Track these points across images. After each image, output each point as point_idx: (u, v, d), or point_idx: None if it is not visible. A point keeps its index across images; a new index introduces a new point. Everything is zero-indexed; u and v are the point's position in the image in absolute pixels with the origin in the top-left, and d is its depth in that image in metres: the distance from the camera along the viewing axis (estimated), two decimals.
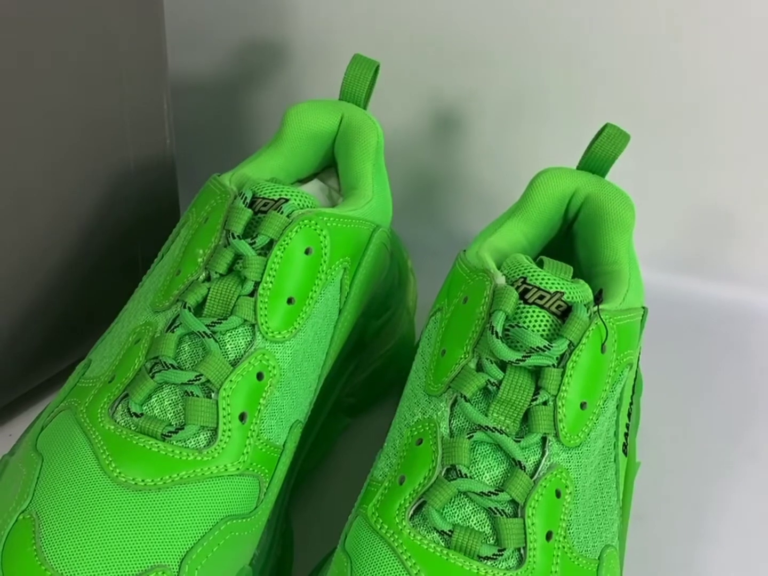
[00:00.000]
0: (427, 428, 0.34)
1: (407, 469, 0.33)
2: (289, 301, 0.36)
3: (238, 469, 0.34)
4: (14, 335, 0.44)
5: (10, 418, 0.46)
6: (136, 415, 0.33)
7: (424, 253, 0.55)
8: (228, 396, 0.34)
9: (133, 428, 0.33)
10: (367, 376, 0.48)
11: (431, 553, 0.31)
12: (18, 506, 0.32)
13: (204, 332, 0.34)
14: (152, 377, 0.34)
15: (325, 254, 0.37)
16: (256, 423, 0.34)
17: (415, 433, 0.34)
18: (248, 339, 0.35)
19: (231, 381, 0.34)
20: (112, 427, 0.33)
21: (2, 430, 0.46)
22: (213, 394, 0.34)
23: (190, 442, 0.33)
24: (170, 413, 0.33)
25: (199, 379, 0.33)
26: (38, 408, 0.42)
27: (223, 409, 0.34)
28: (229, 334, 0.35)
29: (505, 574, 0.32)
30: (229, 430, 0.34)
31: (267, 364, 0.35)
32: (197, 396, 0.33)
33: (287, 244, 0.35)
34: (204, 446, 0.33)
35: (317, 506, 0.44)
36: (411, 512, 0.32)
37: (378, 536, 0.32)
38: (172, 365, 0.34)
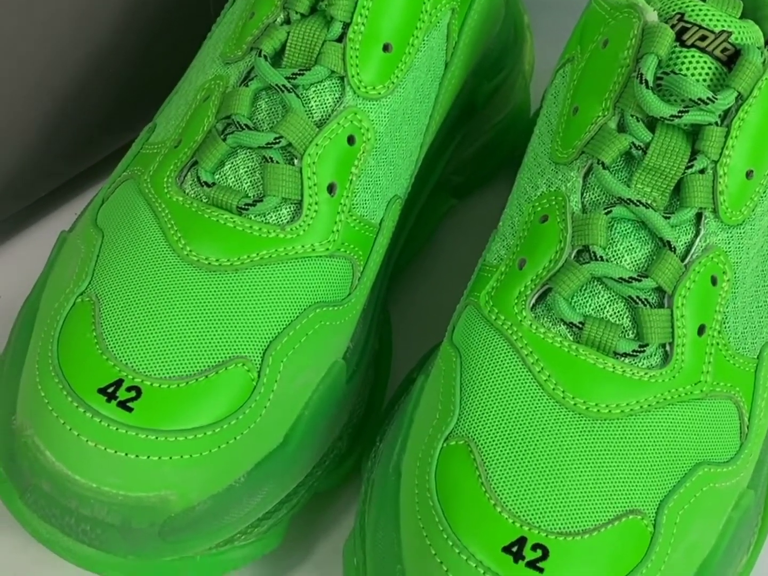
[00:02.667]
0: (554, 203, 0.30)
1: (529, 250, 0.30)
2: (386, 47, 0.31)
3: (327, 249, 0.30)
4: (74, 100, 0.40)
5: (75, 194, 0.43)
6: (207, 185, 0.30)
7: (541, 7, 0.48)
8: (314, 163, 0.30)
9: (204, 200, 0.30)
10: (475, 150, 0.43)
11: (557, 348, 0.28)
12: (76, 288, 0.29)
13: (283, 86, 0.30)
14: (224, 140, 0.30)
15: None
16: (347, 196, 0.31)
17: (539, 208, 0.30)
18: (336, 95, 0.31)
19: (317, 145, 0.30)
20: (181, 198, 0.30)
21: (67, 208, 0.42)
22: (296, 161, 0.30)
23: (271, 217, 0.30)
24: (247, 183, 0.30)
25: (279, 141, 0.30)
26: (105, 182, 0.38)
27: (309, 178, 0.30)
28: (313, 89, 0.31)
29: (646, 373, 0.28)
30: (316, 203, 0.30)
31: (359, 125, 0.31)
32: (277, 162, 0.30)
33: None
34: (287, 222, 0.30)
35: (418, 296, 0.41)
36: (533, 301, 0.29)
37: (493, 328, 0.29)
38: (246, 125, 0.30)
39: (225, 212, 0.29)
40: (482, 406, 0.27)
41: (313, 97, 0.30)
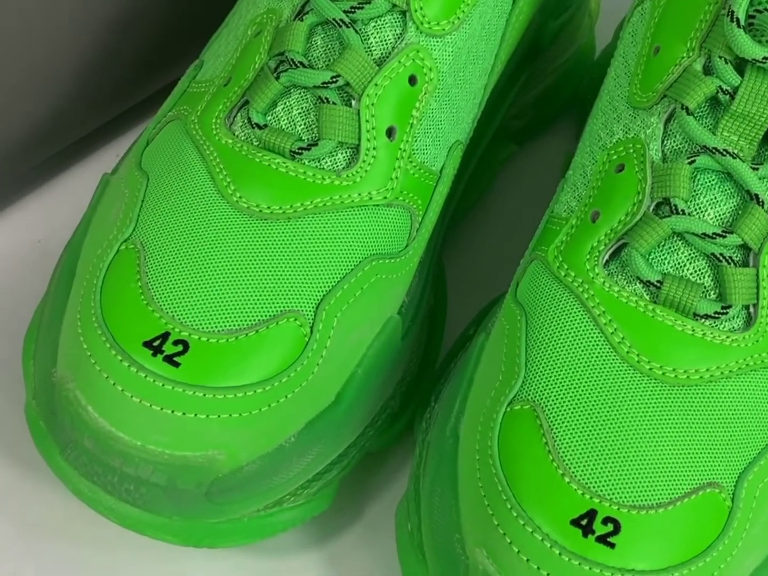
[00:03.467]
0: (632, 150, 0.28)
1: (603, 202, 0.28)
2: None
3: (385, 197, 0.29)
4: (118, 33, 0.38)
5: (116, 134, 0.41)
6: (259, 127, 0.28)
7: None
8: (372, 105, 0.28)
9: (255, 143, 0.28)
10: (538, 93, 0.41)
11: (632, 309, 0.26)
12: (119, 234, 0.28)
13: (341, 20, 0.28)
14: (277, 78, 0.29)
15: None
16: (407, 141, 0.29)
17: (615, 157, 0.28)
18: (398, 31, 0.29)
19: (376, 85, 0.28)
20: (230, 140, 0.28)
21: (109, 149, 0.41)
22: (353, 102, 0.28)
23: (326, 162, 0.28)
24: (300, 125, 0.28)
25: (336, 81, 0.28)
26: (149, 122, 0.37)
27: (367, 121, 0.28)
28: (373, 24, 0.29)
29: (728, 336, 0.27)
30: (374, 148, 0.28)
31: (422, 64, 0.29)
32: (334, 103, 0.28)
33: None
34: (343, 168, 0.28)
35: (474, 248, 0.39)
36: (606, 257, 0.27)
37: (562, 285, 0.27)
38: (301, 63, 0.29)
39: (277, 156, 0.28)
40: (550, 369, 0.26)
41: (372, 33, 0.29)
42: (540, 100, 0.41)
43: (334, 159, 0.28)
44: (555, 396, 0.26)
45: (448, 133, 0.31)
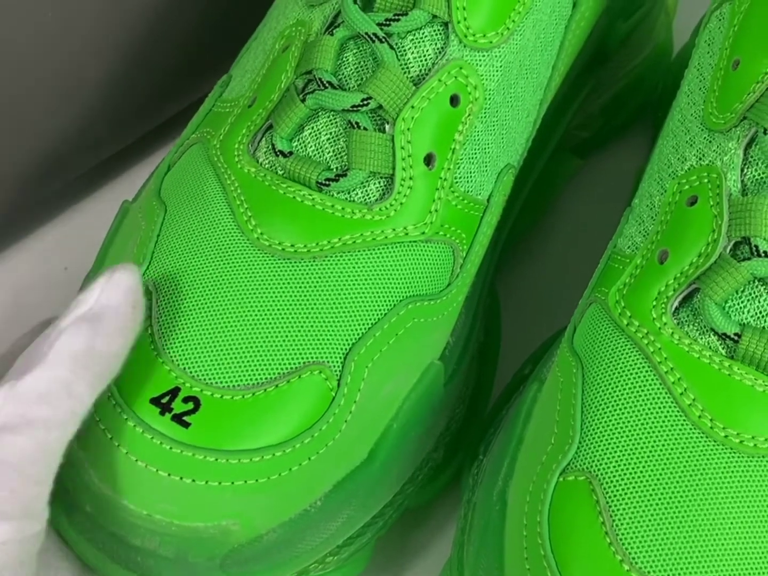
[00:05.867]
0: (706, 180, 0.25)
1: (672, 240, 0.25)
2: None
3: (423, 232, 0.27)
4: (142, 46, 0.36)
5: (145, 155, 0.39)
6: (284, 154, 0.26)
7: None
8: (408, 129, 0.26)
9: (279, 172, 0.26)
10: (606, 101, 0.38)
11: (705, 365, 0.24)
12: None
13: (374, 34, 0.26)
14: (303, 100, 0.26)
15: None
16: (449, 169, 0.27)
17: (687, 187, 0.26)
18: (439, 45, 0.27)
19: (413, 107, 0.26)
20: (253, 169, 0.26)
21: (137, 171, 0.39)
22: (387, 127, 0.26)
23: (357, 194, 0.26)
24: (329, 152, 0.26)
25: (368, 103, 0.26)
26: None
27: (402, 148, 0.26)
28: (411, 38, 0.26)
29: None
30: (410, 178, 0.26)
31: (466, 82, 0.27)
32: (365, 129, 0.26)
33: None
34: (376, 200, 0.26)
35: (532, 279, 0.36)
36: (676, 304, 0.25)
37: (624, 335, 0.25)
38: (330, 83, 0.26)
39: (303, 188, 0.26)
40: (608, 434, 0.24)
41: (410, 48, 0.26)
42: (608, 108, 0.38)
43: (366, 191, 0.26)
44: (614, 466, 0.23)
45: (496, 157, 0.28)
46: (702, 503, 0.22)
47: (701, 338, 0.24)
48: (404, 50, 0.26)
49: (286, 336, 0.25)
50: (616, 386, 0.24)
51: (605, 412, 0.24)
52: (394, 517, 0.29)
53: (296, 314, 0.25)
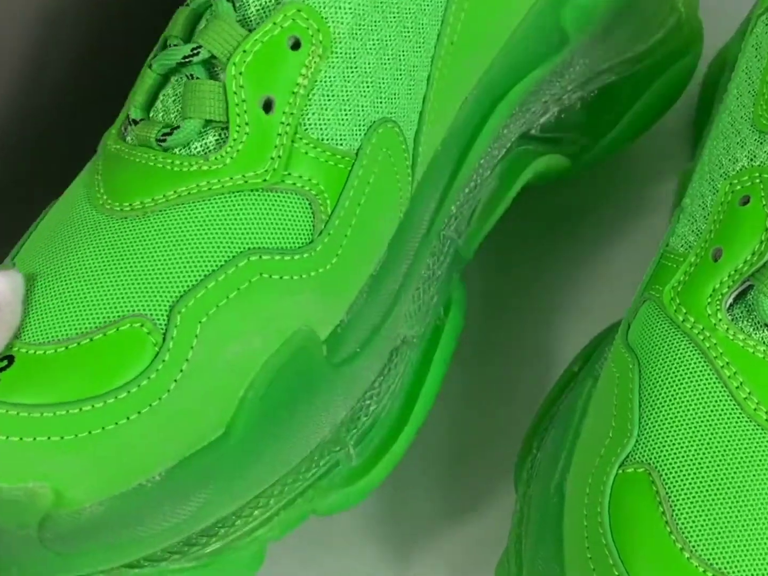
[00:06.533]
0: (758, 180, 0.27)
1: (726, 239, 0.26)
2: None
3: (265, 180, 0.26)
4: None
5: None
6: (135, 123, 0.27)
7: None
8: (240, 74, 0.25)
9: (130, 141, 0.27)
10: (594, 92, 0.33)
11: (760, 360, 0.25)
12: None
13: None
14: (150, 66, 0.27)
15: None
16: (291, 113, 0.26)
17: (738, 187, 0.27)
18: None
19: (245, 51, 0.26)
20: (117, 146, 0.27)
21: None
22: (222, 75, 0.26)
23: (195, 147, 0.26)
24: (173, 112, 0.26)
25: (198, 52, 0.26)
26: None
27: (235, 93, 0.25)
28: None
29: None
30: (246, 123, 0.26)
31: (306, 24, 0.26)
32: (197, 78, 0.26)
33: None
34: (212, 150, 0.26)
35: (575, 268, 0.34)
36: (730, 300, 0.26)
37: (680, 332, 0.26)
38: (171, 44, 0.27)
39: (147, 149, 0.26)
40: (666, 427, 0.25)
41: (253, 3, 0.26)
42: (596, 102, 0.33)
43: (205, 142, 0.26)
44: (672, 458, 0.24)
45: (361, 107, 0.27)
46: (759, 492, 0.23)
47: (755, 333, 0.25)
48: (248, 4, 0.26)
49: (107, 290, 0.24)
50: (674, 381, 0.25)
51: (663, 406, 0.25)
52: (292, 519, 0.27)
53: (120, 269, 0.24)
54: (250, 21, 0.26)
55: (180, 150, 0.25)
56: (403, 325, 0.29)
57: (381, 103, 0.27)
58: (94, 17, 0.33)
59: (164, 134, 0.25)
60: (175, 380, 0.24)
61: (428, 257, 0.29)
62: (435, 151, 0.28)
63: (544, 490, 0.27)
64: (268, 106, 0.25)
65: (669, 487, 0.23)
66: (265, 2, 0.26)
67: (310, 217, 0.26)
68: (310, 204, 0.26)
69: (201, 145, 0.26)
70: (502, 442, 0.31)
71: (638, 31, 0.33)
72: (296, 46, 0.25)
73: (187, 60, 0.25)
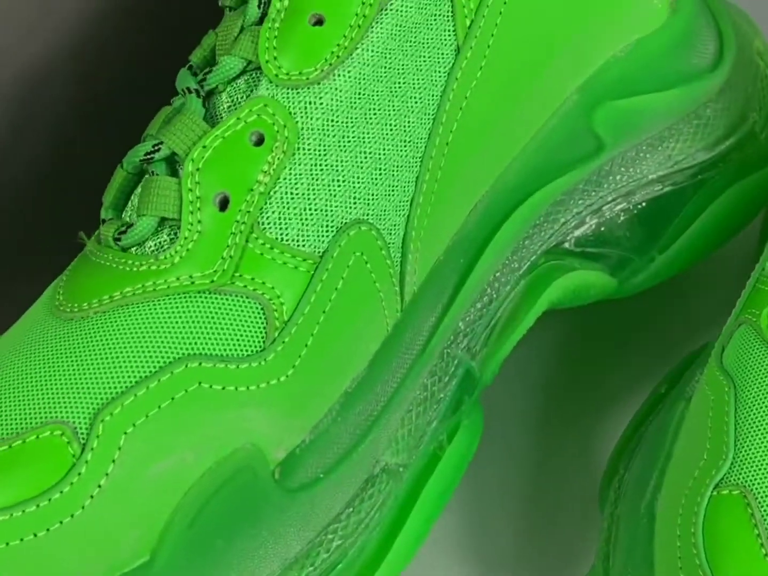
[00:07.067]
0: None
1: None
2: (318, 21, 0.25)
3: (212, 281, 0.25)
4: None
5: None
6: (104, 222, 0.27)
7: None
8: (198, 170, 0.25)
9: (102, 242, 0.26)
10: (642, 204, 0.30)
11: None
12: None
13: (187, 88, 0.26)
14: (122, 166, 0.27)
15: None
16: (248, 212, 0.25)
17: None
18: (252, 88, 0.26)
19: (204, 147, 0.25)
20: (90, 248, 0.26)
21: None
22: (182, 171, 0.25)
23: (149, 245, 0.25)
24: (132, 210, 0.26)
25: (158, 149, 0.25)
26: None
27: (190, 190, 0.25)
28: (230, 88, 0.26)
29: None
30: (199, 221, 0.25)
31: (272, 120, 0.25)
32: (157, 175, 0.26)
33: None
34: (166, 249, 0.25)
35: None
36: None
37: None
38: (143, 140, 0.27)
39: (108, 249, 0.25)
40: (763, 450, 0.25)
41: (225, 97, 0.26)
42: (636, 223, 0.30)
43: (159, 241, 0.25)
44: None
45: (331, 207, 0.25)
46: None
47: None
48: (220, 98, 0.25)
49: (33, 395, 0.24)
50: (759, 403, 0.26)
51: (759, 430, 0.25)
52: None
53: (51, 372, 0.24)
54: (220, 117, 0.26)
55: (136, 249, 0.25)
56: (385, 451, 0.27)
57: (354, 204, 0.26)
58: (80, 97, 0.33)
59: (120, 233, 0.25)
60: (92, 496, 0.23)
61: (425, 377, 0.27)
62: (436, 261, 0.26)
63: (633, 510, 0.27)
64: (224, 204, 0.25)
65: (765, 510, 0.24)
66: (237, 98, 0.25)
67: (262, 322, 0.25)
68: (262, 309, 0.25)
69: (155, 244, 0.25)
70: (586, 461, 0.32)
71: (699, 140, 0.30)
72: (260, 141, 0.25)
73: (148, 157, 0.25)
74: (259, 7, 0.25)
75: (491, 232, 0.27)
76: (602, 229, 0.29)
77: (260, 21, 0.25)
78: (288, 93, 0.24)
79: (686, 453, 0.27)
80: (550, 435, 0.32)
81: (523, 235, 0.28)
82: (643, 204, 0.30)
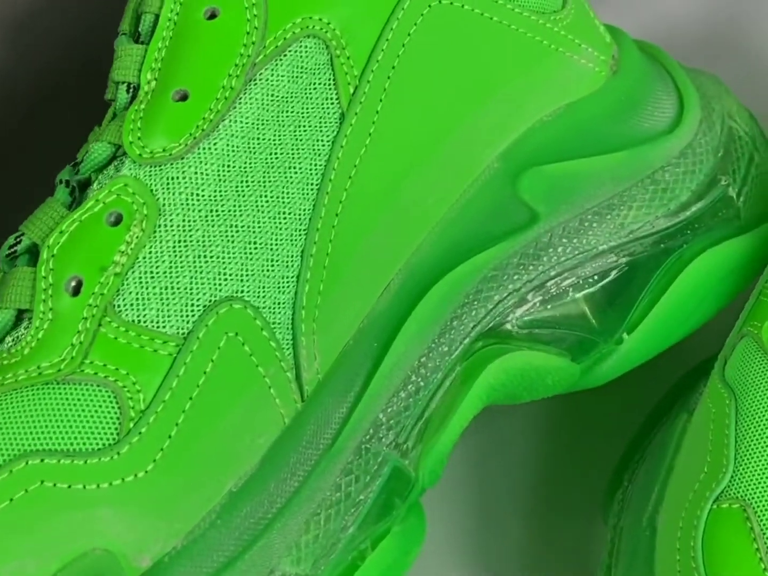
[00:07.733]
0: None
1: None
2: (182, 97, 0.25)
3: (59, 370, 0.23)
4: None
5: None
6: None
7: None
8: (53, 257, 0.24)
9: None
10: (593, 279, 0.27)
11: None
12: None
13: (60, 180, 0.26)
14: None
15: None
16: (101, 294, 0.24)
17: None
18: (115, 173, 0.25)
19: (61, 232, 0.24)
20: None
21: None
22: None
23: (7, 340, 0.24)
24: None
25: (20, 241, 0.25)
26: None
27: (44, 277, 0.24)
28: (102, 175, 0.25)
29: None
30: (50, 309, 0.24)
31: (132, 199, 0.24)
32: (17, 266, 0.25)
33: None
34: (21, 341, 0.24)
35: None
36: None
37: None
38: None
39: None
40: (763, 464, 0.25)
41: (95, 188, 0.25)
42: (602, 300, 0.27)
43: (18, 335, 0.24)
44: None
45: (196, 286, 0.24)
46: None
47: None
48: (92, 187, 0.25)
49: None
50: (759, 415, 0.26)
51: (759, 443, 0.26)
52: None
53: None
54: (79, 200, 0.25)
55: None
56: (283, 559, 0.24)
57: (225, 280, 0.24)
58: None
59: None
60: None
61: (338, 476, 0.24)
62: (345, 345, 0.24)
63: (636, 522, 0.27)
64: (77, 289, 0.24)
65: (764, 524, 0.24)
66: (105, 184, 0.25)
67: (115, 412, 0.23)
68: (115, 397, 0.23)
69: (13, 338, 0.24)
70: (589, 472, 0.31)
71: (657, 206, 0.28)
72: (117, 221, 0.24)
73: (12, 251, 0.25)
74: (128, 92, 0.25)
75: (405, 313, 0.25)
76: (548, 307, 0.26)
77: (127, 106, 0.25)
78: (151, 171, 0.24)
79: (687, 466, 0.27)
80: (555, 445, 0.32)
81: (449, 315, 0.25)
82: (596, 278, 0.27)
